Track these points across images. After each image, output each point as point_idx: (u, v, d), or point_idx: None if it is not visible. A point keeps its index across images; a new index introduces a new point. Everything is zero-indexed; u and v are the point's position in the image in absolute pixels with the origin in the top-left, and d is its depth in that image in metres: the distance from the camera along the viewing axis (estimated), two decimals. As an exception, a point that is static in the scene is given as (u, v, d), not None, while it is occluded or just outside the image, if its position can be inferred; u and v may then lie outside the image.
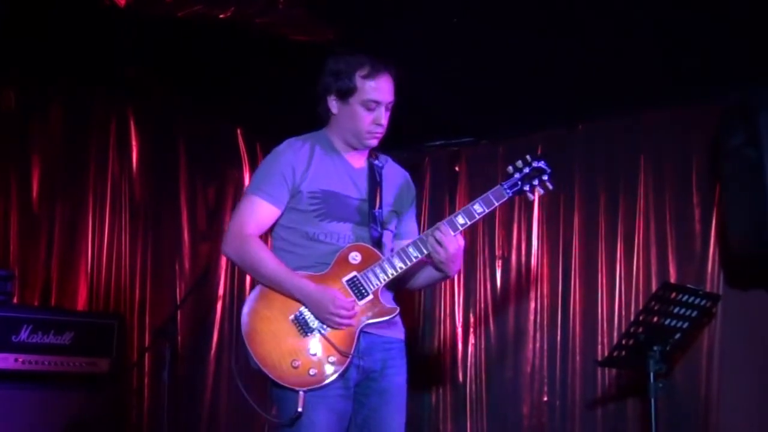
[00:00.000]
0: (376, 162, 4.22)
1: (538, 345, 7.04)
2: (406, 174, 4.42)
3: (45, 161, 6.49)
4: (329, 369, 3.83)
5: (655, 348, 5.43)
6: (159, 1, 5.45)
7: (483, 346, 7.33)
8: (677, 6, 5.22)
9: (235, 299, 7.50)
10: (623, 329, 6.14)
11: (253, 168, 7.68)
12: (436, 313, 7.60)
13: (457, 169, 7.69)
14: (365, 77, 4.05)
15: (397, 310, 4.00)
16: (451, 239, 3.96)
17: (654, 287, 6.36)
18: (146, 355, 6.76)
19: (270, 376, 3.82)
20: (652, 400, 5.41)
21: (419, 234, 4.17)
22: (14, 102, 6.29)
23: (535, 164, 4.13)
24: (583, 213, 6.95)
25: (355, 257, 3.96)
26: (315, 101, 4.20)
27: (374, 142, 4.12)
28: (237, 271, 7.50)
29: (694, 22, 5.38)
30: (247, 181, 7.63)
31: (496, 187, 4.09)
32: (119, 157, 6.93)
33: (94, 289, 6.65)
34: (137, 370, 6.77)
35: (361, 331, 3.91)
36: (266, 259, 3.96)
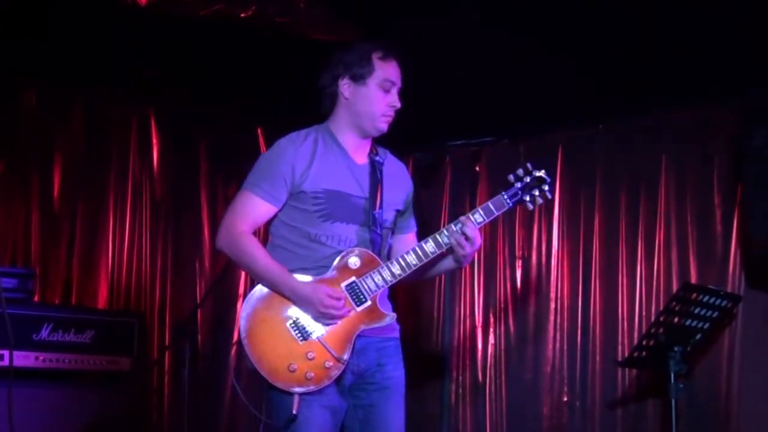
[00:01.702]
0: (377, 158, 4.19)
1: (558, 345, 7.02)
2: (404, 167, 4.41)
3: (66, 161, 6.53)
4: (325, 374, 3.83)
5: (675, 349, 5.42)
6: (180, 0, 5.47)
7: (503, 346, 7.32)
8: (699, 6, 5.20)
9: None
10: (644, 330, 6.12)
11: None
12: (455, 312, 7.59)
13: (477, 168, 7.67)
14: (381, 59, 4.08)
15: (394, 317, 4.01)
16: (477, 234, 3.98)
17: (675, 288, 6.33)
18: (166, 353, 6.78)
19: (266, 378, 3.83)
20: (673, 401, 5.40)
21: (417, 227, 4.23)
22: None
23: (536, 173, 4.13)
24: (603, 213, 6.92)
25: (354, 263, 3.94)
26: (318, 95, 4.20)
27: (385, 127, 4.10)
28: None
29: (716, 23, 5.36)
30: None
31: (496, 197, 4.10)
32: (140, 157, 6.96)
33: (114, 288, 6.69)
34: (157, 369, 6.79)
35: (357, 335, 3.90)
36: (258, 257, 3.95)
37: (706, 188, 6.47)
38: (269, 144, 7.65)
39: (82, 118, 6.65)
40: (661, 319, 5.52)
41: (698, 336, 5.66)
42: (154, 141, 7.06)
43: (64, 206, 6.50)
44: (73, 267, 6.50)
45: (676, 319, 5.53)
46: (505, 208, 4.09)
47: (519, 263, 7.33)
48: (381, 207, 4.09)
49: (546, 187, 4.14)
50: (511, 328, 7.31)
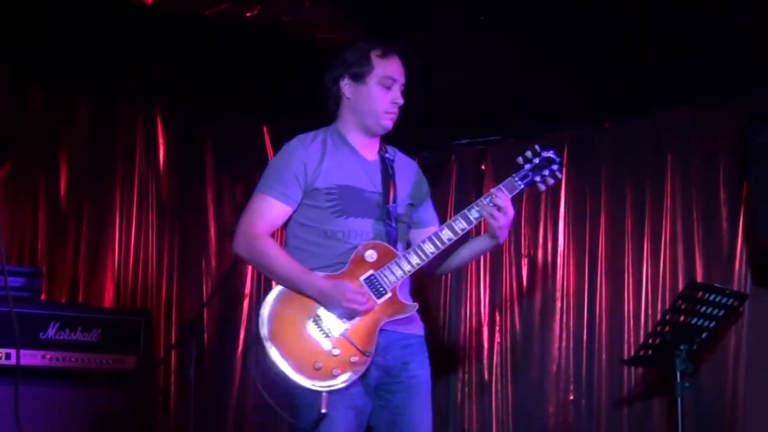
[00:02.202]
0: (387, 155, 4.21)
1: (564, 344, 7.02)
2: (415, 164, 4.41)
3: (72, 160, 6.53)
4: (351, 369, 3.82)
5: (681, 347, 5.42)
6: (186, 0, 5.48)
7: (509, 345, 7.32)
8: (702, 6, 5.20)
9: (262, 297, 7.50)
10: (650, 328, 6.13)
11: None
12: (461, 311, 7.60)
13: (483, 167, 7.68)
14: (380, 56, 4.09)
15: (416, 307, 3.99)
16: (509, 204, 4.00)
17: (681, 286, 6.34)
18: (173, 352, 6.78)
19: (291, 378, 3.80)
20: (679, 400, 5.40)
21: (438, 220, 4.23)
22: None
23: (544, 154, 4.15)
24: (609, 211, 6.93)
25: (371, 255, 3.93)
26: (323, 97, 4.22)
27: (390, 124, 4.11)
28: (263, 270, 7.52)
29: (722, 21, 5.36)
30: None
31: (507, 179, 4.11)
32: (146, 156, 6.96)
33: (121, 287, 6.69)
34: (164, 368, 6.79)
35: (380, 329, 3.89)
36: (277, 258, 3.95)
37: (711, 186, 6.47)
38: (275, 143, 7.74)
39: (89, 117, 6.64)
40: (667, 317, 5.52)
41: (704, 334, 5.66)
42: (161, 140, 7.06)
43: (71, 205, 6.50)
44: (79, 266, 6.50)
45: (682, 318, 5.53)
46: (517, 191, 4.09)
47: (525, 261, 7.34)
48: (395, 201, 4.09)
49: (555, 167, 4.16)
50: (517, 327, 7.31)
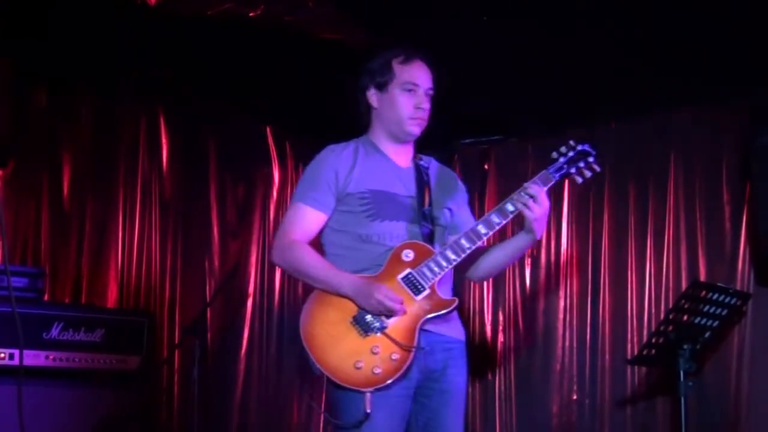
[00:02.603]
0: (422, 163, 4.24)
1: (567, 343, 7.02)
2: (453, 172, 4.47)
3: (75, 160, 6.53)
4: (393, 366, 3.80)
5: (685, 346, 5.41)
6: (189, 0, 5.48)
7: (512, 345, 7.32)
8: (707, 5, 5.20)
9: (265, 297, 7.53)
10: (653, 328, 6.12)
11: (283, 166, 7.72)
12: (465, 311, 7.59)
13: (486, 167, 7.68)
14: (401, 63, 4.13)
15: (456, 302, 3.96)
16: (544, 195, 3.98)
17: (684, 285, 6.34)
18: (176, 352, 6.78)
19: (333, 379, 3.80)
20: (682, 399, 5.39)
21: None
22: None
23: (579, 147, 4.15)
24: (612, 211, 6.92)
25: (407, 254, 3.93)
26: (355, 107, 4.25)
27: (417, 130, 4.13)
28: (267, 269, 7.53)
29: (724, 22, 5.36)
30: (276, 180, 7.68)
31: (541, 172, 4.08)
32: (149, 156, 6.97)
33: (124, 287, 6.70)
34: (167, 368, 6.80)
35: (421, 328, 3.88)
36: (312, 261, 3.97)
37: (714, 186, 6.47)
38: (277, 143, 7.74)
39: (92, 117, 6.65)
40: (671, 317, 5.52)
41: (707, 334, 5.65)
42: (163, 140, 7.07)
43: (74, 205, 6.51)
44: (82, 266, 6.51)
45: (685, 317, 5.52)
46: (552, 182, 4.07)
47: (528, 262, 7.33)
48: (430, 205, 4.11)
49: (591, 159, 4.16)
50: (521, 327, 7.31)
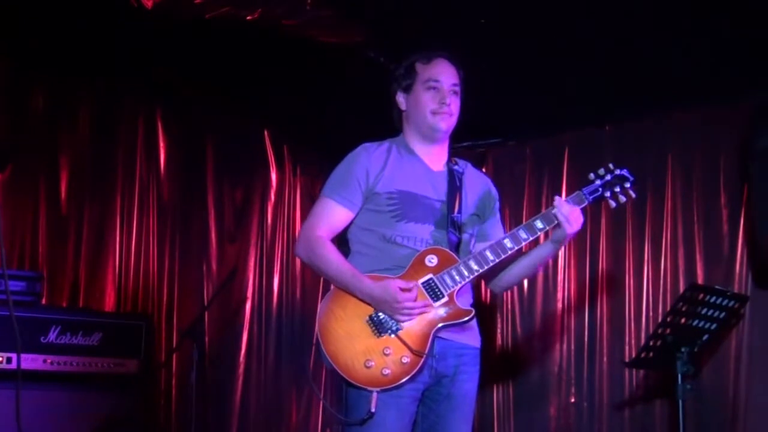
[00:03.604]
0: (456, 167, 4.24)
1: (565, 346, 7.02)
2: (489, 180, 4.44)
3: (73, 163, 6.53)
4: (402, 369, 3.82)
5: (682, 349, 5.40)
6: (187, 2, 5.48)
7: (510, 347, 7.32)
8: (707, 7, 5.20)
9: (264, 300, 7.53)
10: (651, 330, 6.12)
11: (280, 170, 7.72)
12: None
13: (484, 170, 7.67)
14: (424, 62, 4.20)
15: (473, 313, 3.99)
16: (579, 214, 4.05)
17: (681, 288, 6.34)
18: (174, 356, 6.78)
19: (343, 375, 3.83)
20: (680, 402, 5.38)
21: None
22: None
23: (618, 172, 4.20)
24: (610, 214, 6.91)
25: (431, 260, 3.95)
26: (388, 113, 4.30)
27: (442, 125, 4.13)
28: (265, 272, 7.54)
29: (723, 23, 5.36)
30: (274, 183, 7.68)
31: (576, 192, 4.13)
32: (147, 159, 6.97)
33: (121, 290, 6.69)
34: (165, 372, 6.80)
35: (435, 335, 3.90)
36: (332, 261, 3.98)
37: (712, 188, 6.47)
38: (275, 146, 7.74)
39: (89, 119, 6.65)
40: (668, 319, 5.51)
41: (705, 336, 5.64)
42: (161, 144, 7.06)
43: (71, 208, 6.51)
44: (80, 269, 6.51)
45: (683, 320, 5.52)
46: (584, 204, 4.12)
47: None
48: (460, 211, 4.12)
49: (628, 185, 4.20)
50: (518, 329, 7.31)
